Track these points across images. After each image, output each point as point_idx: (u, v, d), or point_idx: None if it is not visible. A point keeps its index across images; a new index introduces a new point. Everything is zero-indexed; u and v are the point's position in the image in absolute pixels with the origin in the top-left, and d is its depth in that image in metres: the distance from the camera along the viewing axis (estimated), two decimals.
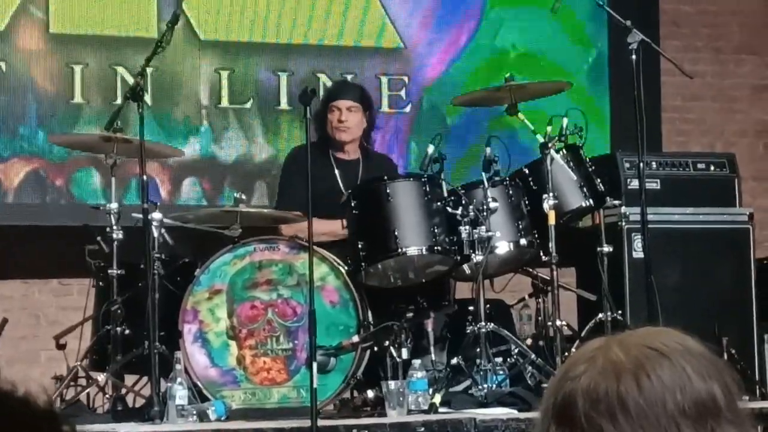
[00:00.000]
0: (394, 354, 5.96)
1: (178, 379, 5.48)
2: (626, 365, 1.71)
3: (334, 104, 6.73)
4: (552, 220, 6.14)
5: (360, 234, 6.05)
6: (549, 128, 6.29)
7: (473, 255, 6.04)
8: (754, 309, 6.84)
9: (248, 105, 7.88)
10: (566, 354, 6.06)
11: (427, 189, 6.14)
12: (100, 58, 7.14)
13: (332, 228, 6.19)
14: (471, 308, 6.19)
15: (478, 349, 5.98)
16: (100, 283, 6.32)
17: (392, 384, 5.75)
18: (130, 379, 6.19)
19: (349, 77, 8.04)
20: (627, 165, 6.89)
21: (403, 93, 8.47)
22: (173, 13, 6.31)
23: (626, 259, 6.71)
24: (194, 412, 5.50)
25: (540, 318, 6.58)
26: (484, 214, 6.05)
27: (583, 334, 6.41)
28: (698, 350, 1.79)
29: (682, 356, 1.76)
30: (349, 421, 5.73)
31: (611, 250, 6.49)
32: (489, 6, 8.37)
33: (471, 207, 6.07)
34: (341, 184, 6.41)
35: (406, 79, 8.53)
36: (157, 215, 5.90)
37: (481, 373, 5.91)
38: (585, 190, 6.35)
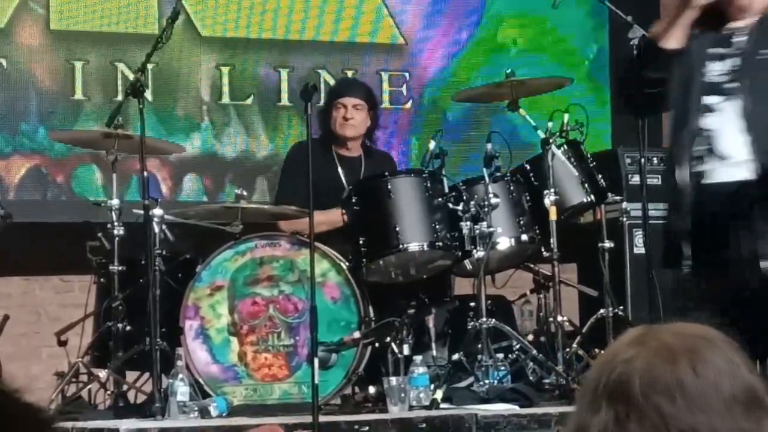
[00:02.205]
0: (396, 350, 5.93)
1: (180, 376, 5.49)
2: (680, 350, 1.75)
3: (341, 101, 6.71)
4: (553, 215, 6.16)
5: (361, 230, 6.05)
6: (550, 124, 6.34)
7: (474, 251, 6.05)
8: None
9: (249, 101, 7.88)
10: (567, 350, 6.15)
11: (428, 185, 6.14)
12: (101, 55, 7.15)
13: (331, 218, 6.18)
14: (472, 304, 6.19)
15: (479, 345, 5.98)
16: (101, 280, 6.32)
17: (393, 380, 5.75)
18: (131, 376, 6.20)
19: (350, 73, 8.01)
20: (628, 161, 6.95)
21: (404, 89, 8.47)
22: (173, 9, 6.30)
23: (627, 255, 6.76)
24: (196, 409, 5.52)
25: (541, 314, 6.63)
26: (486, 210, 6.06)
27: (584, 330, 6.48)
28: (735, 345, 1.83)
29: (728, 347, 1.80)
30: (351, 417, 5.73)
31: (612, 245, 6.54)
32: (489, 13, 8.38)
33: (472, 203, 6.09)
34: (344, 181, 6.41)
35: (407, 75, 8.54)
36: (158, 212, 5.92)
37: (483, 369, 5.91)
38: (586, 185, 6.37)
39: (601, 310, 6.43)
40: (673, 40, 3.82)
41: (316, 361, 5.40)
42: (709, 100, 3.73)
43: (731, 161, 3.71)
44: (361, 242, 5.98)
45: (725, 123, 3.72)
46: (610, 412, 1.71)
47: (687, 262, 3.93)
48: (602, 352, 2.07)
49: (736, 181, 3.74)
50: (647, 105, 4.31)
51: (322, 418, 5.37)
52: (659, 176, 6.93)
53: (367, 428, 5.55)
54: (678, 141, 3.90)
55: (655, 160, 6.98)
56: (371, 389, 6.03)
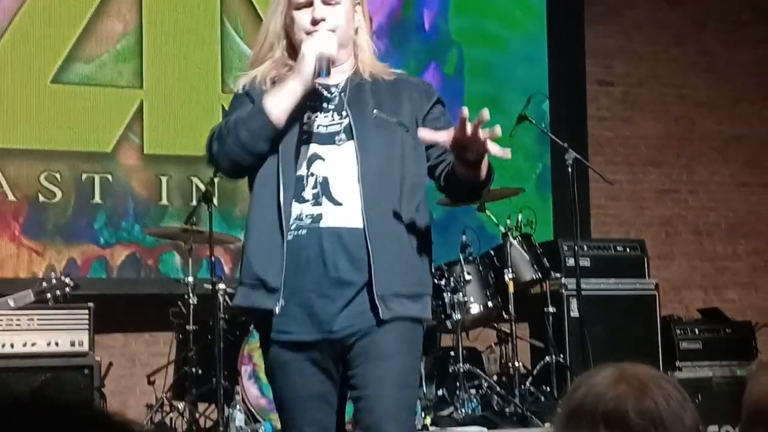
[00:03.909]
0: None
1: (237, 407, 5.58)
2: (653, 386, 1.67)
3: None
4: (511, 289, 6.13)
5: None
6: (508, 221, 6.30)
7: (453, 314, 6.00)
8: (660, 354, 6.84)
9: None
10: (522, 387, 6.11)
11: None
12: (180, 171, 7.18)
13: None
14: (452, 353, 6.15)
15: (457, 384, 5.95)
16: (180, 336, 6.33)
17: None
18: (202, 407, 6.17)
19: None
20: (566, 248, 6.90)
21: None
22: (204, 191, 6.30)
23: (566, 317, 6.66)
24: (249, 431, 5.55)
25: (503, 360, 6.57)
26: (461, 284, 6.02)
27: (534, 372, 6.39)
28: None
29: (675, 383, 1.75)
30: None
31: (555, 310, 6.50)
32: None
33: (452, 279, 6.03)
34: None
35: None
36: (221, 286, 5.99)
37: (460, 401, 5.88)
38: (535, 266, 6.32)
39: (546, 358, 6.35)
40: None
41: None
42: (317, 148, 2.98)
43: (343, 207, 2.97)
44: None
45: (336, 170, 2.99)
46: None
47: None
48: (582, 386, 1.77)
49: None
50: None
51: None
52: (588, 259, 6.96)
53: None
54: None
55: (585, 248, 7.00)
56: None
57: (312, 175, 2.95)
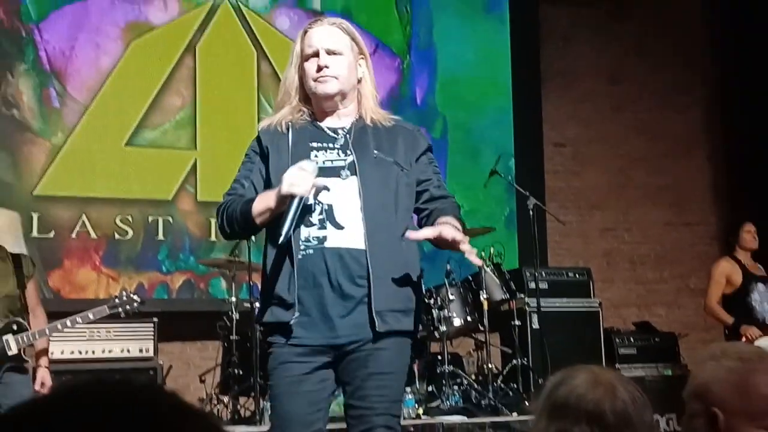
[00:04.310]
0: None
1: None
2: (622, 388, 1.67)
3: None
4: (485, 306, 6.11)
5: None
6: (483, 253, 6.23)
7: (440, 326, 5.97)
8: (603, 358, 6.80)
9: None
10: (495, 383, 6.03)
11: None
12: None
13: None
14: (439, 357, 6.08)
15: (443, 381, 5.91)
16: (225, 344, 6.25)
17: None
18: (242, 400, 6.10)
19: None
20: (528, 274, 6.87)
21: None
22: (233, 248, 6.35)
23: (528, 329, 6.62)
24: None
25: (479, 363, 6.52)
26: (446, 303, 6.01)
27: (504, 372, 6.35)
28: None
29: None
30: None
31: (520, 323, 6.47)
32: (447, 180, 8.04)
33: (438, 299, 6.02)
34: None
35: None
36: (257, 304, 5.68)
37: (445, 395, 5.85)
38: (504, 289, 6.28)
39: (513, 361, 6.33)
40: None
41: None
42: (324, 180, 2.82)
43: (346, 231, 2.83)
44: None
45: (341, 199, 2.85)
46: (587, 428, 1.63)
47: None
48: (563, 386, 1.71)
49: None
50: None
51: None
52: (546, 282, 6.91)
53: None
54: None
55: (544, 273, 6.97)
56: None
57: (318, 203, 2.82)
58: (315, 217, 2.82)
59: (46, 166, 7.01)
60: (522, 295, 6.68)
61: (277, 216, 2.75)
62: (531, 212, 6.56)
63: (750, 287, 6.47)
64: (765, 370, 1.71)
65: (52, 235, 6.97)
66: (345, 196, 2.83)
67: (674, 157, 8.86)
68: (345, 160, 2.87)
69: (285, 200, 2.70)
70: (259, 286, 2.80)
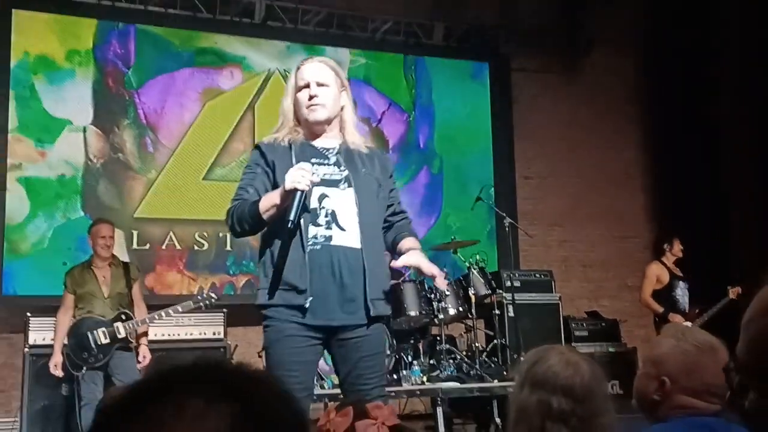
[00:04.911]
0: (405, 359, 5.79)
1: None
2: (585, 366, 1.63)
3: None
4: (473, 300, 5.99)
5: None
6: (470, 259, 6.18)
7: (439, 314, 5.82)
8: (562, 338, 6.70)
9: None
10: (480, 358, 5.91)
11: (418, 286, 5.82)
12: None
13: None
14: (438, 338, 5.96)
15: (441, 356, 5.83)
16: None
17: (404, 372, 5.62)
18: None
19: None
20: (505, 275, 6.81)
21: None
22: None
23: (506, 316, 6.52)
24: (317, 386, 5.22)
25: (468, 342, 6.39)
26: (444, 296, 5.86)
27: (487, 349, 6.23)
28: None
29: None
30: (388, 388, 5.37)
31: (499, 312, 6.36)
32: (443, 212, 7.97)
33: (437, 293, 5.83)
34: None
35: None
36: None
37: (443, 366, 5.77)
38: (487, 286, 6.11)
39: (495, 341, 6.23)
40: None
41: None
42: (325, 190, 2.68)
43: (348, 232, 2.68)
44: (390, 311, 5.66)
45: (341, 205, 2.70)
46: (563, 398, 1.59)
47: None
48: (539, 364, 1.65)
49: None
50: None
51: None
52: (519, 281, 6.83)
53: (393, 390, 5.33)
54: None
55: (517, 274, 6.92)
56: (395, 376, 5.68)
57: (323, 208, 2.66)
58: (322, 219, 2.65)
59: (143, 196, 7.04)
60: (500, 291, 6.61)
61: (281, 211, 2.58)
62: (507, 228, 6.58)
63: (674, 284, 6.39)
64: (711, 360, 1.65)
65: (147, 247, 6.98)
66: (344, 204, 2.69)
67: (615, 186, 8.80)
68: (341, 174, 2.72)
69: (289, 195, 2.53)
70: (264, 275, 2.65)
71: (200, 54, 7.33)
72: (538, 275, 7.15)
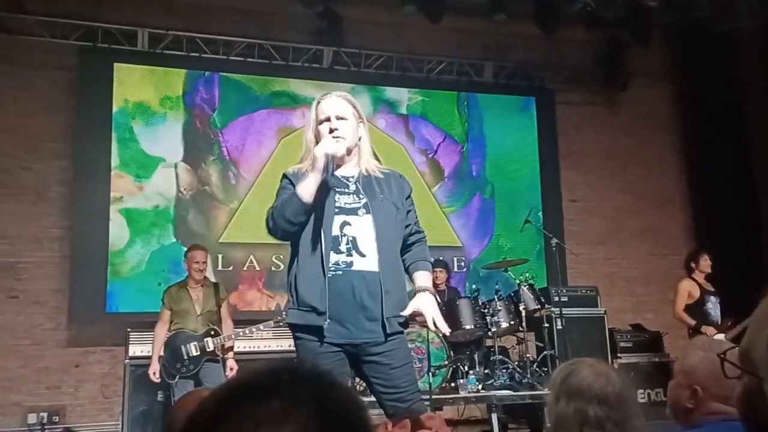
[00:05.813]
0: (462, 368, 5.73)
1: None
2: (614, 377, 1.62)
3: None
4: (524, 314, 5.88)
5: (447, 320, 5.44)
6: (521, 277, 6.09)
7: (492, 328, 5.76)
8: (608, 349, 6.61)
9: None
10: (531, 368, 5.80)
11: (473, 302, 5.83)
12: None
13: None
14: (492, 349, 5.87)
15: (495, 366, 5.75)
16: None
17: (462, 381, 5.58)
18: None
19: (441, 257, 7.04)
20: (553, 291, 6.73)
21: (463, 263, 7.76)
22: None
23: (554, 329, 6.36)
24: None
25: (520, 353, 6.19)
26: (496, 311, 5.81)
27: (538, 360, 6.07)
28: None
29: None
30: (447, 395, 5.49)
31: (548, 325, 6.20)
32: (495, 234, 7.95)
33: (491, 308, 5.80)
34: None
35: (464, 259, 7.81)
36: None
37: (497, 376, 5.69)
38: (536, 301, 5.99)
39: (545, 352, 6.06)
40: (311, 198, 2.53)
41: (430, 372, 5.40)
42: (345, 218, 2.60)
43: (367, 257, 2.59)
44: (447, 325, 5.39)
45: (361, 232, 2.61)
46: (598, 408, 1.58)
47: None
48: (572, 376, 1.63)
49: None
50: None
51: (434, 396, 5.26)
52: (567, 296, 6.73)
53: (451, 398, 5.46)
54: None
55: (564, 290, 6.82)
56: (452, 384, 5.69)
57: (344, 235, 2.58)
58: (343, 246, 2.57)
59: (227, 223, 7.13)
60: (549, 306, 6.49)
61: (317, 186, 2.54)
62: (554, 248, 6.53)
63: (705, 299, 6.27)
64: None
65: (231, 268, 7.05)
66: (364, 231, 2.60)
67: (654, 208, 8.73)
68: (360, 202, 2.64)
69: (323, 160, 2.51)
70: (291, 296, 2.61)
71: (276, 97, 7.45)
72: (584, 291, 7.07)
